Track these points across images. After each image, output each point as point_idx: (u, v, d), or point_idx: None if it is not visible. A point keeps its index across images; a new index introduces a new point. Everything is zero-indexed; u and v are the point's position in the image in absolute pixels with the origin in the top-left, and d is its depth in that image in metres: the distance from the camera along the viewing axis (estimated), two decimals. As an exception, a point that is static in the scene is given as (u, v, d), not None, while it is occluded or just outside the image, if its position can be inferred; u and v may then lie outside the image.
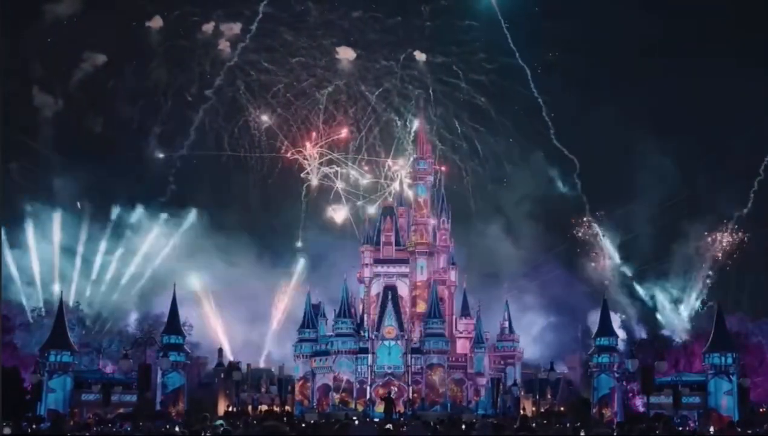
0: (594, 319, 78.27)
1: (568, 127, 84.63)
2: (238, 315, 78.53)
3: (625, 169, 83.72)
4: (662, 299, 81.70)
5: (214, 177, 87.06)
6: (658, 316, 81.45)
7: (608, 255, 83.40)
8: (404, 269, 73.94)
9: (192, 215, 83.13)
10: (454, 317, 73.19)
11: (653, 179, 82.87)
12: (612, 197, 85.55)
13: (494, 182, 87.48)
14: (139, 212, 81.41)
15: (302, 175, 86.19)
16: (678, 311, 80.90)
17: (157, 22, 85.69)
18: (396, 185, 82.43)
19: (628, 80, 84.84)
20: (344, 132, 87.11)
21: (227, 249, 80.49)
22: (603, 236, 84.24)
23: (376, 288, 73.23)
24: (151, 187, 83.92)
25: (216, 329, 78.31)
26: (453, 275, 74.28)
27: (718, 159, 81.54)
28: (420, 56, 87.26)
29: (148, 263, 78.21)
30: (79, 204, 78.16)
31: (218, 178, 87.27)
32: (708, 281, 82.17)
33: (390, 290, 71.77)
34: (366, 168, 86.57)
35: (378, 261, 73.72)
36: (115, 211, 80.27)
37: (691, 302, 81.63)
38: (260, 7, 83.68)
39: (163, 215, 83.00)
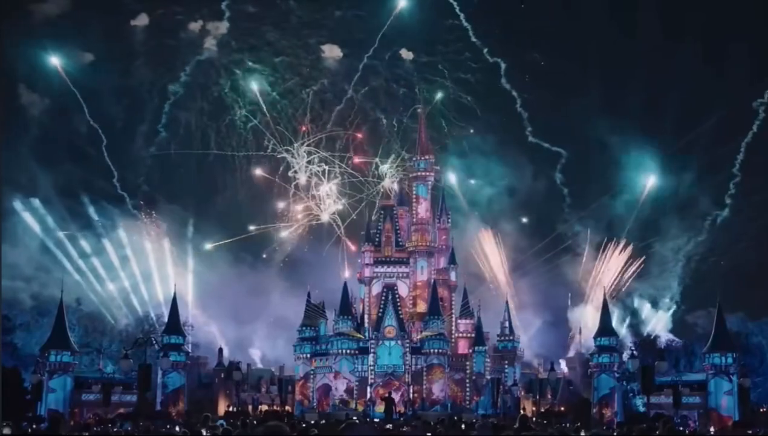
0: (575, 317, 78.93)
1: (550, 124, 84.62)
2: (222, 315, 78.35)
3: (606, 167, 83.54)
4: (641, 298, 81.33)
5: (197, 176, 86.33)
6: (638, 315, 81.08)
7: (586, 253, 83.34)
8: (404, 269, 74.02)
9: (171, 215, 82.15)
10: (454, 317, 73.23)
11: (633, 177, 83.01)
12: (591, 194, 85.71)
13: (480, 180, 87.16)
14: (120, 211, 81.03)
15: (289, 173, 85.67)
16: (656, 310, 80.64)
17: (142, 21, 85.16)
18: (385, 184, 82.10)
19: (609, 77, 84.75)
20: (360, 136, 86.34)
21: (206, 248, 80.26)
22: (579, 234, 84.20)
23: (376, 288, 73.32)
24: (132, 186, 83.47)
25: (204, 328, 77.88)
26: (453, 275, 74.32)
27: (698, 157, 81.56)
28: (407, 55, 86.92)
29: (132, 262, 77.65)
30: (63, 203, 77.49)
31: (201, 177, 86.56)
32: (683, 281, 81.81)
33: (390, 290, 71.84)
34: (358, 174, 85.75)
35: (378, 261, 73.79)
36: (99, 210, 79.78)
37: (668, 302, 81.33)
38: (223, 5, 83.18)
39: (142, 214, 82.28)
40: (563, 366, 72.74)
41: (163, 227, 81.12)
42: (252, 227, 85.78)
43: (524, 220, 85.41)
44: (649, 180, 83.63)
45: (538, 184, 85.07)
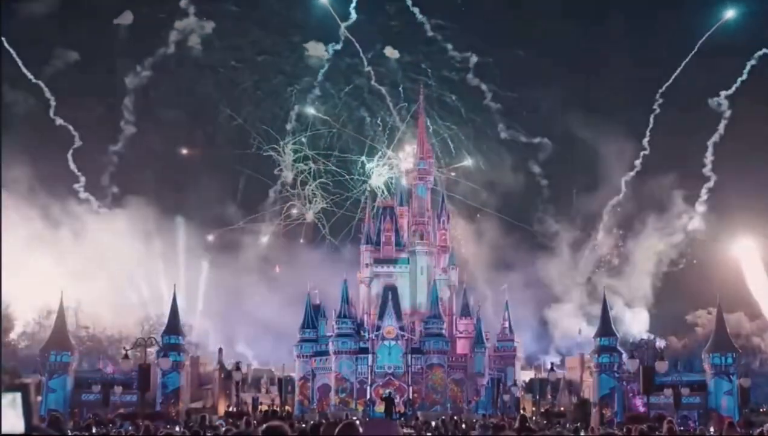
0: (553, 316, 78.98)
1: (535, 121, 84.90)
2: (208, 315, 78.26)
3: (588, 163, 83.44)
4: (616, 298, 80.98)
5: (181, 175, 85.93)
6: (614, 315, 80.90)
7: (563, 251, 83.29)
8: (404, 269, 73.96)
9: (153, 214, 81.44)
10: (454, 317, 73.21)
11: (612, 174, 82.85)
12: (569, 191, 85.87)
13: (467, 179, 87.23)
14: (101, 209, 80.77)
15: (275, 171, 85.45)
16: (633, 311, 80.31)
17: (126, 19, 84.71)
18: (372, 182, 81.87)
19: (594, 73, 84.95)
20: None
21: (191, 249, 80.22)
22: (558, 232, 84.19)
23: (376, 288, 73.26)
24: (105, 186, 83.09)
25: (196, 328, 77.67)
26: (453, 275, 74.26)
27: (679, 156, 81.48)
28: (392, 53, 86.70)
29: (115, 262, 77.33)
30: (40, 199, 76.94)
31: (183, 176, 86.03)
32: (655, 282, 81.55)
33: (390, 290, 71.80)
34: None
35: (378, 261, 73.71)
36: (82, 208, 79.51)
37: (644, 302, 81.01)
38: (182, 3, 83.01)
39: (121, 212, 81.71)
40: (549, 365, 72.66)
41: (144, 225, 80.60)
42: (235, 225, 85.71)
43: (504, 216, 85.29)
44: None
45: (518, 178, 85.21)
